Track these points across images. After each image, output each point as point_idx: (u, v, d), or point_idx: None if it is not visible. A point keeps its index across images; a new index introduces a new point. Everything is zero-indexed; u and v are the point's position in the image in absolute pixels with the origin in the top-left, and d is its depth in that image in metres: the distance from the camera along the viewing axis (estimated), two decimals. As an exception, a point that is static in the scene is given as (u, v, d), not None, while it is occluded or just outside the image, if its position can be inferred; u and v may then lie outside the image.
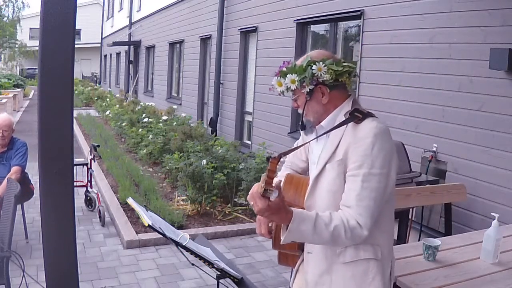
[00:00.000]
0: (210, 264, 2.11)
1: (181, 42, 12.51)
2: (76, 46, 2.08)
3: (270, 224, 1.84)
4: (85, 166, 5.61)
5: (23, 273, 2.66)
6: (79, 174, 5.80)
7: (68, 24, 1.94)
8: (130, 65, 19.10)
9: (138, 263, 4.22)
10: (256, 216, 1.82)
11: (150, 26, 16.01)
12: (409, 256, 2.48)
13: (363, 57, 5.43)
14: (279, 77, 1.74)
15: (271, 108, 7.43)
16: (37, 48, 2.46)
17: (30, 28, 35.11)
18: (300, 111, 1.79)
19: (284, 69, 1.73)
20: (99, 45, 29.43)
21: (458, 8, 4.26)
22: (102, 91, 20.35)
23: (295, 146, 1.84)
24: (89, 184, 5.57)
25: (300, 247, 1.85)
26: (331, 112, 1.75)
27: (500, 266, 2.38)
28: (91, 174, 5.58)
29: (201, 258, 2.09)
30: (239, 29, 8.75)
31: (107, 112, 13.07)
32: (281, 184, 1.81)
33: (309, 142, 1.84)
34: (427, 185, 3.77)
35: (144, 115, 10.56)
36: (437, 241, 2.47)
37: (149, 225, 2.06)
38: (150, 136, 8.12)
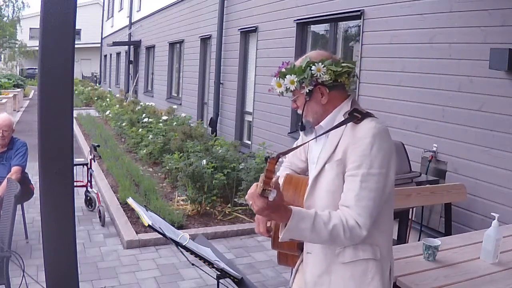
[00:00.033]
0: (210, 264, 2.11)
1: (181, 42, 12.51)
2: (76, 46, 2.08)
3: (268, 224, 1.84)
4: (85, 166, 5.61)
5: (23, 273, 2.66)
6: (79, 174, 5.80)
7: (68, 24, 1.95)
8: (130, 65, 19.11)
9: (138, 263, 4.23)
10: (255, 216, 1.82)
11: (150, 26, 16.01)
12: (409, 256, 2.48)
13: (363, 57, 5.44)
14: (278, 78, 1.74)
15: (271, 108, 7.43)
16: (37, 48, 2.47)
17: (30, 28, 35.10)
18: (299, 111, 1.79)
19: (283, 70, 1.73)
20: (99, 45, 29.43)
21: (458, 8, 4.26)
22: (102, 91, 20.36)
23: (294, 146, 1.85)
24: (89, 184, 5.57)
25: (300, 247, 1.85)
26: (330, 112, 1.75)
27: (500, 266, 2.38)
28: (91, 174, 5.58)
29: (201, 258, 2.09)
30: (239, 29, 8.75)
31: (107, 112, 13.08)
32: (280, 182, 1.81)
33: (308, 142, 1.84)
34: (427, 185, 3.77)
35: (144, 115, 10.56)
36: (437, 241, 2.47)
37: (149, 225, 2.06)
38: (150, 136, 8.13)
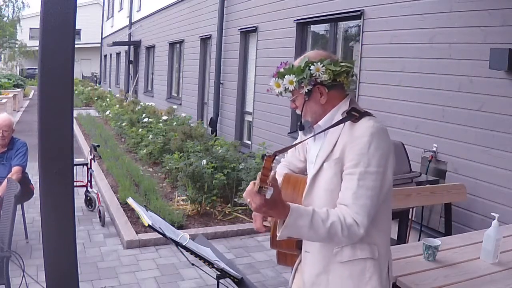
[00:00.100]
0: (210, 264, 2.11)
1: (181, 42, 12.51)
2: (76, 46, 2.08)
3: (266, 223, 1.84)
4: (85, 166, 5.61)
5: (23, 273, 2.66)
6: (79, 174, 5.80)
7: (68, 24, 1.95)
8: (130, 65, 19.11)
9: (138, 263, 4.23)
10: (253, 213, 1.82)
11: (150, 26, 16.01)
12: (409, 256, 2.48)
13: (363, 57, 5.44)
14: (277, 78, 1.74)
15: (271, 108, 7.43)
16: (37, 48, 2.47)
17: (30, 28, 35.11)
18: (298, 111, 1.79)
19: (282, 70, 1.73)
20: (99, 45, 29.43)
21: (458, 8, 4.26)
22: (102, 91, 20.36)
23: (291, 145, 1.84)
24: (89, 184, 5.57)
25: (298, 246, 1.85)
26: (329, 112, 1.75)
27: (500, 266, 2.38)
28: (91, 174, 5.58)
29: (201, 258, 2.09)
30: (239, 29, 8.75)
31: (107, 112, 13.08)
32: (279, 181, 1.81)
33: (305, 140, 1.84)
34: (427, 185, 3.77)
35: (144, 115, 10.56)
36: (437, 241, 2.47)
37: (149, 225, 2.06)
38: (150, 136, 8.13)
